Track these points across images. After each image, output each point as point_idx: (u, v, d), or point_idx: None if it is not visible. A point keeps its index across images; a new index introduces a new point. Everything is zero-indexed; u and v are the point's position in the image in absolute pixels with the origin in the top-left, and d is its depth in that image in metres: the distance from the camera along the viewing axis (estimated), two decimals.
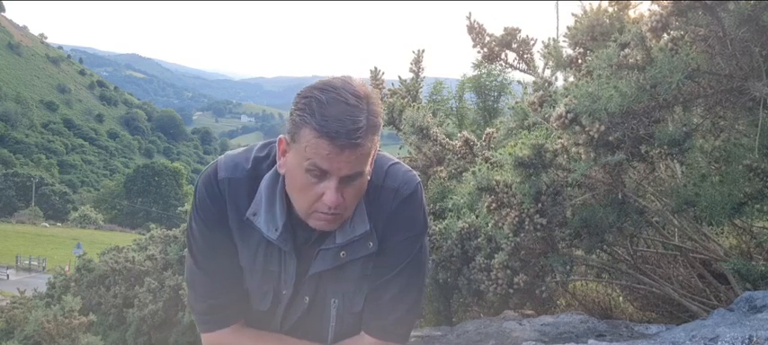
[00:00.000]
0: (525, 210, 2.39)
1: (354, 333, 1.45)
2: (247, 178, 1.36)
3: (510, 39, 3.42)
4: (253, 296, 1.43)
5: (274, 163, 1.35)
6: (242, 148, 1.44)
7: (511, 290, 2.63)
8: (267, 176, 1.35)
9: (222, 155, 1.42)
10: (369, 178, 1.33)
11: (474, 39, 3.51)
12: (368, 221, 1.35)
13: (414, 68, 4.41)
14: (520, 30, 3.44)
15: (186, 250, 1.45)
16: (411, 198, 1.38)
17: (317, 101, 1.19)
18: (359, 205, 1.35)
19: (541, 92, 2.73)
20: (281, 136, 1.31)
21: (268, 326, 1.46)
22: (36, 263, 41.40)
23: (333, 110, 1.18)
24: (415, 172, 1.44)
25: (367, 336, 1.44)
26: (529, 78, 3.61)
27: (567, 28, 2.86)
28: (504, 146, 2.73)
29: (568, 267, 2.47)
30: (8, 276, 36.64)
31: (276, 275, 1.40)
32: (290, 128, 1.24)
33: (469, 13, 3.56)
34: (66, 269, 16.90)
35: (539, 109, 2.60)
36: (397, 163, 1.43)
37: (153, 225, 19.74)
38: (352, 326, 1.44)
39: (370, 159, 1.26)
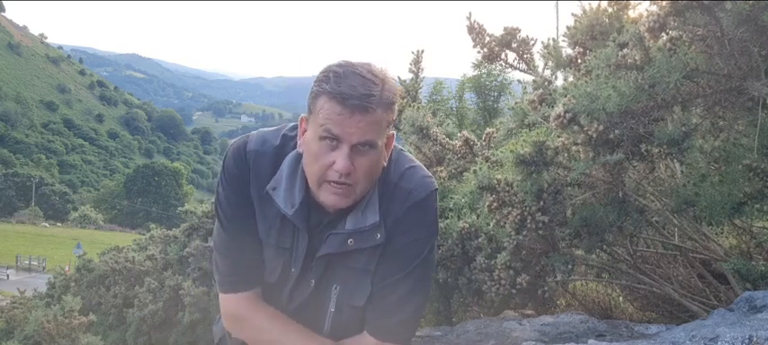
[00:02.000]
0: (527, 208, 2.40)
1: (352, 327, 1.46)
2: (273, 153, 1.42)
3: (510, 38, 3.42)
4: (265, 268, 1.48)
5: None
6: (274, 126, 1.50)
7: (514, 291, 2.63)
8: (291, 154, 1.40)
9: (255, 131, 1.49)
10: (384, 166, 1.38)
11: (474, 39, 3.50)
12: (378, 213, 1.37)
13: (413, 69, 4.42)
14: (520, 30, 3.44)
15: (215, 217, 1.52)
16: (424, 201, 1.39)
17: (334, 72, 1.28)
18: (372, 196, 1.38)
19: (541, 91, 2.73)
20: (302, 115, 1.38)
21: (275, 304, 1.49)
22: (36, 263, 41.38)
23: (348, 79, 1.26)
24: (433, 178, 1.45)
25: (369, 336, 1.44)
26: (529, 78, 3.61)
27: (567, 28, 2.86)
28: (504, 146, 2.73)
29: (569, 266, 2.47)
30: (8, 276, 36.62)
31: (288, 252, 1.44)
32: (309, 101, 1.31)
33: (469, 13, 3.55)
34: (67, 269, 16.89)
35: (538, 107, 2.60)
36: (417, 166, 1.46)
37: (153, 225, 19.74)
38: (350, 319, 1.46)
39: (382, 133, 1.31)
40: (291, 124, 1.48)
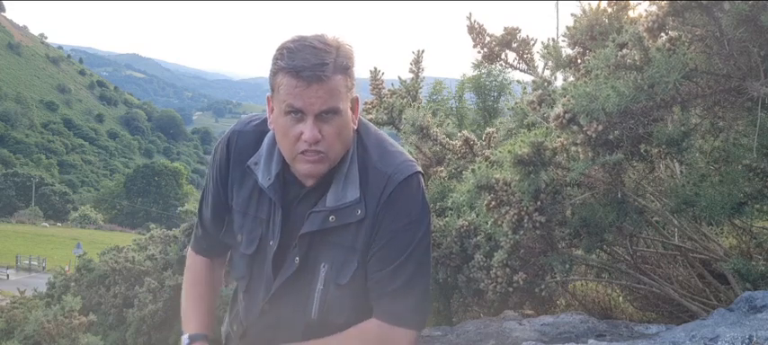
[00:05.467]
0: (524, 208, 2.40)
1: (337, 307, 1.47)
2: (255, 132, 1.52)
3: (510, 39, 3.41)
4: (244, 240, 1.55)
5: None
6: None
7: (510, 289, 2.63)
8: (271, 132, 1.46)
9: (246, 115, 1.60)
10: (356, 131, 1.44)
11: (474, 40, 3.50)
12: (359, 189, 1.41)
13: (413, 68, 4.41)
14: (520, 30, 3.43)
15: None
16: (404, 184, 1.41)
17: (287, 48, 1.32)
18: (351, 171, 1.41)
19: (540, 92, 2.74)
20: (267, 95, 1.42)
21: (260, 284, 1.54)
22: (36, 263, 41.39)
23: (300, 53, 1.31)
24: (414, 162, 1.47)
25: (377, 321, 1.45)
26: (529, 78, 3.61)
27: (567, 28, 2.86)
28: (503, 146, 2.73)
29: (568, 266, 2.47)
30: (8, 276, 36.63)
31: (265, 223, 1.49)
32: (270, 80, 1.37)
33: (470, 14, 3.55)
34: (67, 269, 16.89)
35: (538, 108, 2.61)
36: (399, 151, 1.48)
37: (153, 225, 19.74)
38: (337, 299, 1.47)
39: (344, 97, 1.35)
40: None
